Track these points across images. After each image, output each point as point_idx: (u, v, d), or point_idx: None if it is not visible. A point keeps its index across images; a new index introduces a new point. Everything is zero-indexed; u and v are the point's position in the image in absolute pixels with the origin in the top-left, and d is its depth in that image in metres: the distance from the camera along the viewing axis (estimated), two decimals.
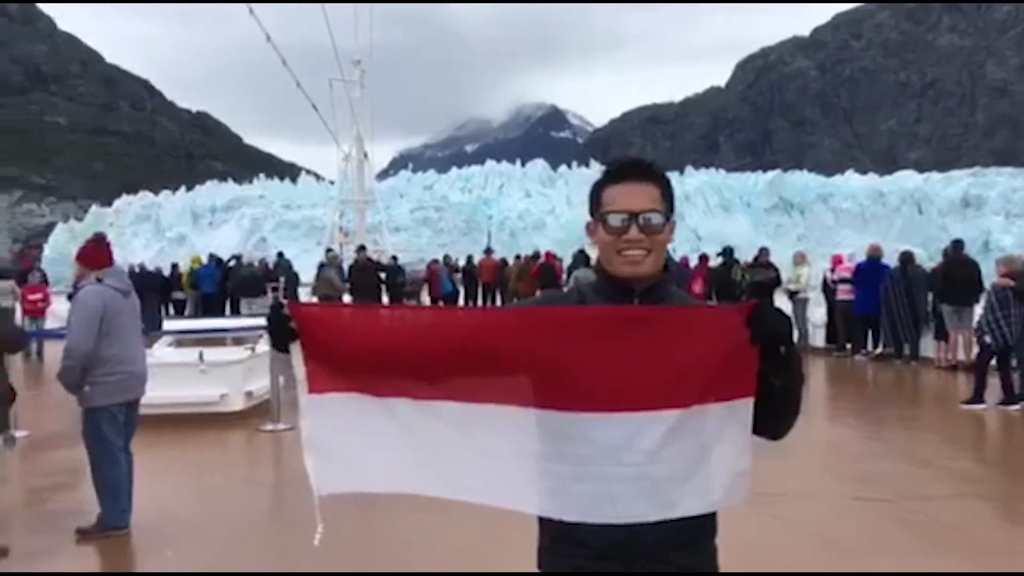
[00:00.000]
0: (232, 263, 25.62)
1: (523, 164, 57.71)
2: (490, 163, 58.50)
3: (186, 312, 24.95)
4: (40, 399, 11.15)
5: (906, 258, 15.13)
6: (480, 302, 25.24)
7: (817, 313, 17.37)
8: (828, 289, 16.85)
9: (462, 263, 27.75)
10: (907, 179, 52.83)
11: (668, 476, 1.93)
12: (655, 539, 1.97)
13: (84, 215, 57.55)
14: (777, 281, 16.91)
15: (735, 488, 2.00)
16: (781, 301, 15.71)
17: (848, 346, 16.00)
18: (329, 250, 23.66)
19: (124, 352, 5.93)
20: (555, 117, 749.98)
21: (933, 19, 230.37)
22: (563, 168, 57.24)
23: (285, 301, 2.09)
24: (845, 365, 15.23)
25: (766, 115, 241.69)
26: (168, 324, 16.26)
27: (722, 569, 2.14)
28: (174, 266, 27.30)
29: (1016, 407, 10.42)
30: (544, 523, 2.10)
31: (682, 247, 32.40)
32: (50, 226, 70.55)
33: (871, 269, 15.56)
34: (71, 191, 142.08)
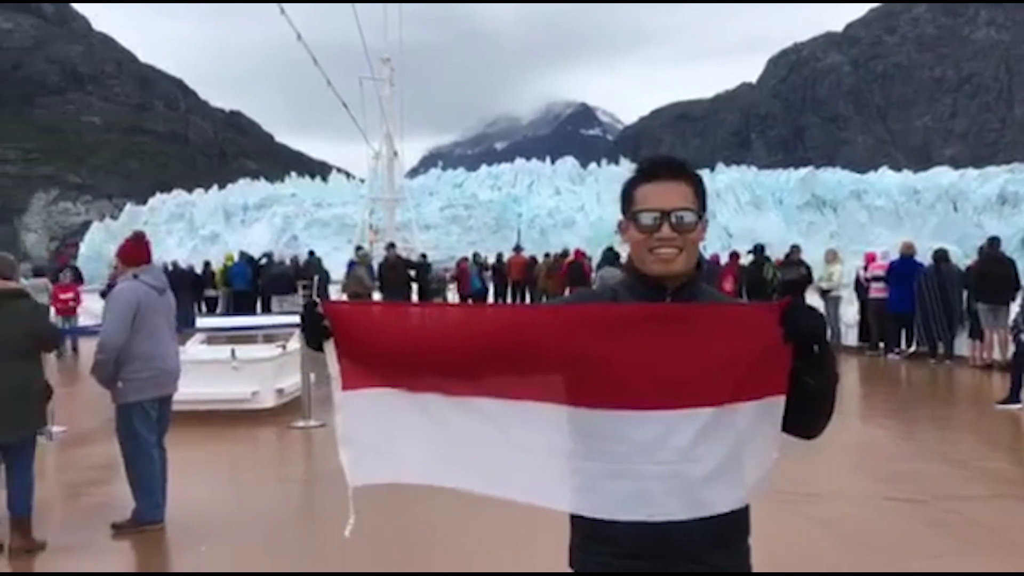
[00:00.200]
0: (263, 261, 25.85)
1: (553, 162, 57.70)
2: (520, 161, 58.57)
3: (218, 309, 25.22)
4: (75, 395, 11.32)
5: (940, 256, 14.92)
6: (509, 300, 25.26)
7: (850, 312, 17.19)
8: (861, 287, 16.66)
9: (491, 261, 27.78)
10: (942, 176, 52.16)
11: (701, 474, 1.93)
12: (688, 538, 1.96)
13: (119, 213, 58.33)
14: (808, 279, 16.76)
15: (762, 482, 2.02)
16: (813, 299, 15.55)
17: (881, 345, 15.81)
18: (359, 248, 23.77)
19: (157, 349, 6.01)
20: (585, 114, 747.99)
21: (970, 13, 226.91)
22: (593, 166, 57.14)
23: (319, 299, 2.11)
24: (878, 364, 15.06)
25: (798, 111, 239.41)
26: (201, 321, 16.43)
27: (755, 569, 2.13)
28: (206, 264, 27.61)
29: None
30: (575, 521, 2.10)
31: (713, 245, 32.20)
32: (86, 224, 71.67)
33: (905, 267, 15.36)
34: (106, 190, 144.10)
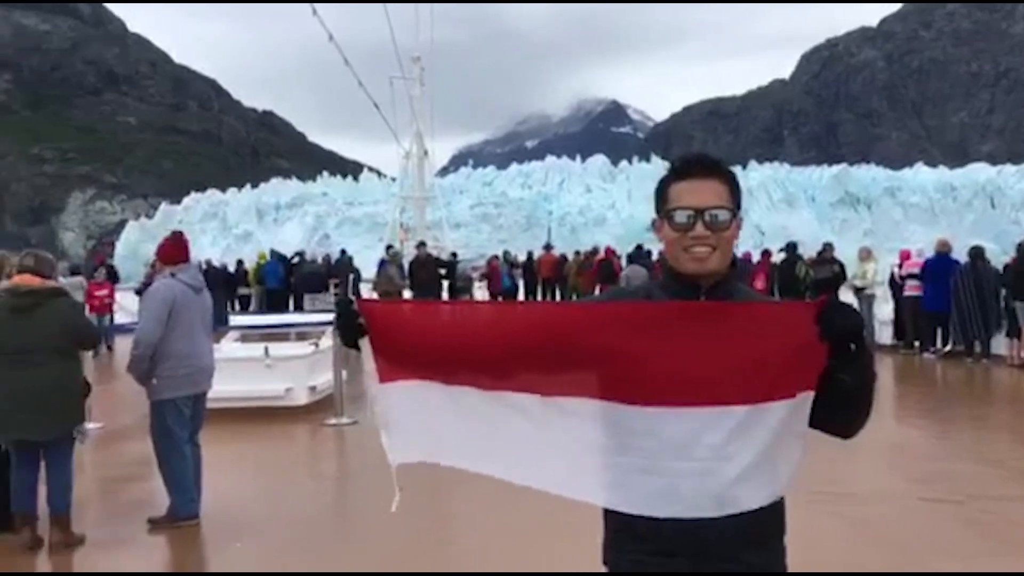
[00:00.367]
0: (296, 260, 26.07)
1: (583, 160, 57.56)
2: (550, 159, 58.48)
3: (251, 307, 25.46)
4: (111, 392, 11.49)
5: (976, 253, 14.70)
6: (539, 298, 25.27)
7: (884, 310, 17.00)
8: (895, 285, 16.48)
9: (522, 259, 27.80)
10: (979, 172, 51.30)
11: (733, 472, 1.93)
12: (721, 536, 1.96)
13: (154, 212, 59.04)
14: (841, 277, 16.59)
15: (792, 479, 2.03)
16: (847, 297, 15.39)
17: (916, 344, 15.62)
18: (390, 247, 23.89)
19: (191, 347, 6.09)
20: (615, 112, 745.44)
21: (1008, 7, 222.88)
22: (623, 163, 56.89)
23: (354, 298, 2.14)
24: (913, 363, 14.88)
25: (831, 108, 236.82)
26: (234, 319, 16.61)
27: (790, 569, 2.13)
28: (239, 262, 27.89)
29: None
30: (608, 517, 2.12)
31: (745, 242, 31.95)
32: (122, 223, 72.60)
33: (940, 265, 15.16)
34: (142, 189, 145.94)
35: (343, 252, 27.66)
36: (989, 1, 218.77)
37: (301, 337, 12.78)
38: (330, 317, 11.91)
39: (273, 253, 27.11)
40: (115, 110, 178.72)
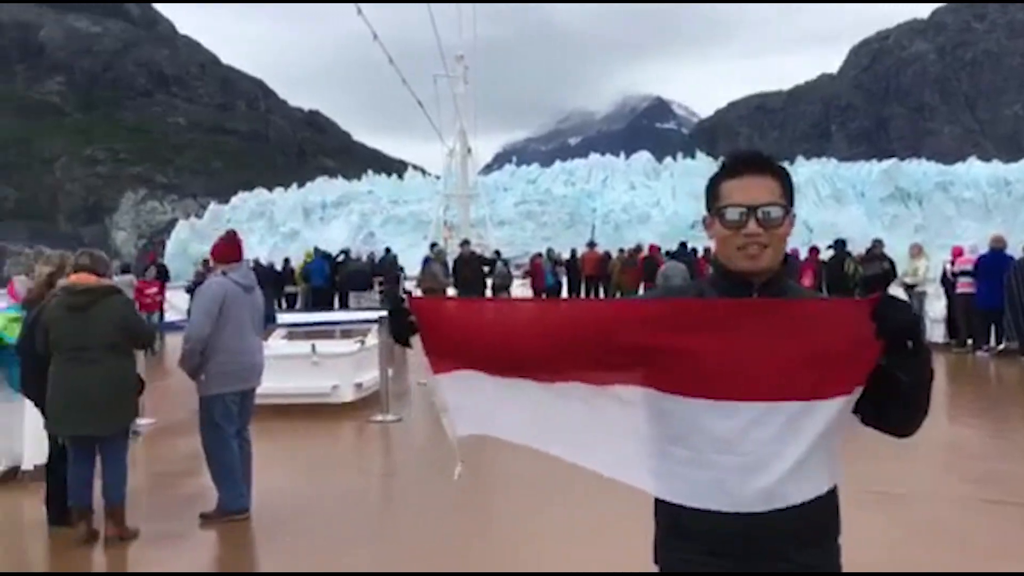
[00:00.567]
0: (341, 258, 26.32)
1: (627, 156, 57.30)
2: (594, 156, 58.34)
3: (297, 305, 25.77)
4: (163, 389, 11.69)
5: None
6: (583, 296, 25.21)
7: (936, 307, 16.68)
8: (948, 282, 16.16)
9: (565, 256, 27.76)
10: None
11: (782, 468, 1.92)
12: (774, 535, 1.95)
13: (203, 212, 60.01)
14: (891, 274, 16.32)
15: (837, 471, 2.02)
16: (897, 295, 15.13)
17: (969, 342, 15.30)
18: (434, 244, 24.01)
19: (240, 344, 6.18)
20: (660, 108, 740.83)
21: None
22: (668, 160, 56.57)
23: (406, 296, 2.16)
24: (966, 362, 14.58)
25: (881, 102, 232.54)
26: (281, 317, 16.82)
27: (845, 570, 2.10)
28: (286, 261, 28.24)
29: None
30: (659, 515, 2.12)
31: (792, 240, 31.03)
32: (172, 223, 73.97)
33: (994, 261, 14.83)
34: (191, 189, 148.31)
35: (387, 250, 27.86)
36: None
37: (346, 335, 12.90)
38: (375, 315, 12.02)
39: (317, 251, 27.40)
40: (165, 111, 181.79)
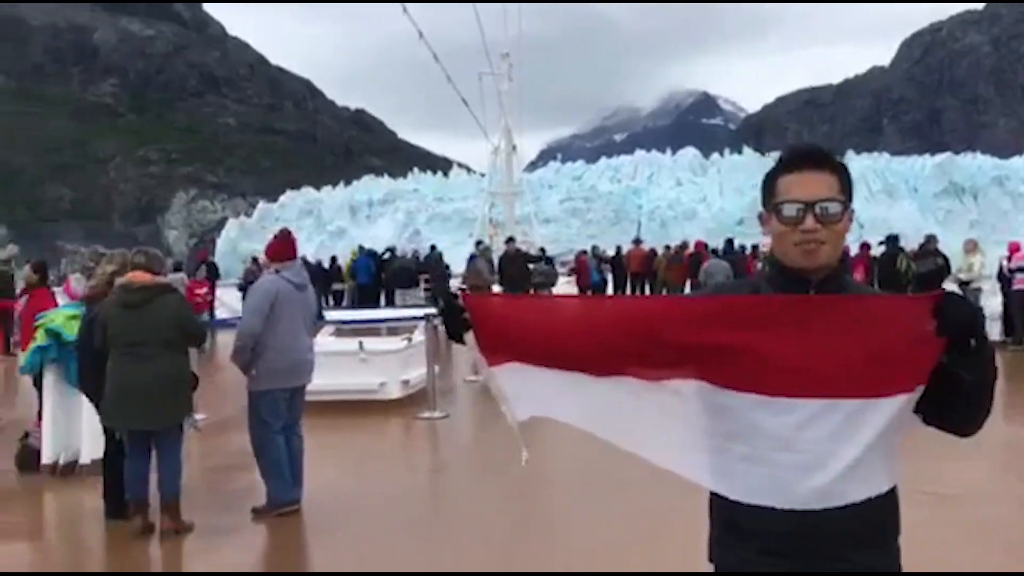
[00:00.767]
0: (386, 256, 26.52)
1: (673, 152, 56.83)
2: (639, 152, 57.98)
3: (344, 302, 26.04)
4: (215, 384, 11.89)
5: None
6: (629, 293, 25.08)
7: (992, 304, 16.30)
8: (1004, 278, 15.80)
9: (610, 253, 27.64)
10: None
11: (838, 466, 1.90)
12: (832, 535, 1.92)
13: (252, 211, 60.79)
14: (945, 271, 16.00)
15: (896, 471, 2.00)
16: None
17: None
18: (479, 242, 24.08)
19: (291, 341, 6.27)
20: (706, 103, 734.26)
21: None
22: (715, 156, 55.96)
23: (459, 292, 2.18)
24: (1022, 360, 14.25)
25: (934, 94, 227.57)
26: (329, 314, 17.00)
27: (904, 570, 2.07)
28: (333, 259, 28.55)
29: None
30: (713, 512, 2.10)
31: None
32: (222, 221, 75.03)
33: None
34: (240, 188, 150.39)
35: (433, 248, 28.01)
36: None
37: (392, 332, 13.00)
38: (421, 312, 12.11)
39: (361, 249, 27.63)
40: (215, 111, 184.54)
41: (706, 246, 24.55)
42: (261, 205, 58.90)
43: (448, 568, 5.16)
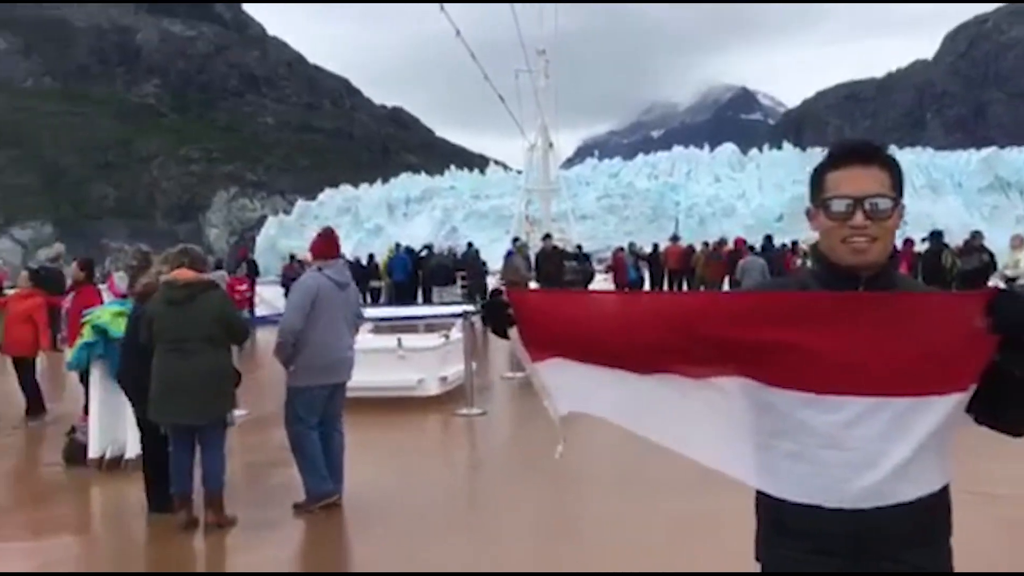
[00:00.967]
0: (423, 253, 26.64)
1: (712, 148, 56.42)
2: (677, 148, 57.67)
3: (381, 300, 26.19)
4: (256, 381, 12.01)
5: None
6: (666, 290, 24.93)
7: None
8: None
9: (647, 250, 27.51)
10: None
11: (890, 465, 1.87)
12: (882, 534, 1.90)
13: (291, 209, 61.39)
14: (991, 267, 15.70)
15: (947, 470, 1.97)
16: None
17: None
18: (516, 239, 24.11)
19: (331, 338, 6.31)
20: (745, 99, 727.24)
21: None
22: (753, 151, 55.47)
23: (503, 288, 2.18)
24: None
25: (979, 88, 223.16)
26: (367, 312, 17.09)
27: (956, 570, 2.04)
28: (371, 256, 28.74)
29: None
30: (760, 511, 2.08)
31: None
32: (261, 219, 75.90)
33: None
34: (279, 186, 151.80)
35: (469, 245, 28.08)
36: None
37: (430, 329, 13.06)
38: (459, 309, 12.15)
39: (398, 246, 27.78)
40: (255, 111, 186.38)
41: (745, 243, 24.34)
42: (300, 203, 59.48)
43: (486, 566, 5.17)
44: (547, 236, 22.86)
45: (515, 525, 6.11)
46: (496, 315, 2.13)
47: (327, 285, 6.34)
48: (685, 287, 24.85)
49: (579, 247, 26.25)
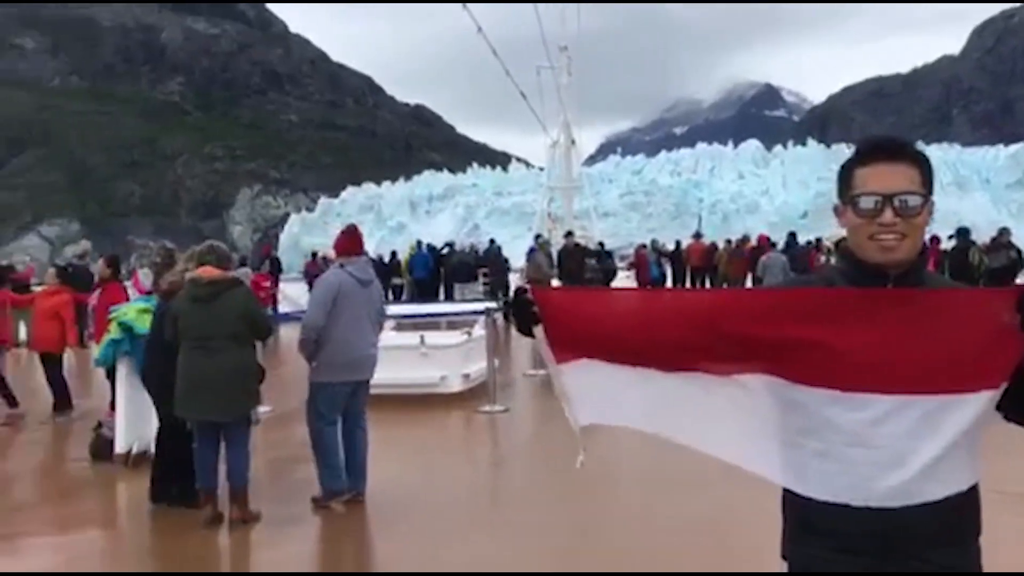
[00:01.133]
0: (445, 250, 26.70)
1: (735, 145, 56.11)
2: (701, 145, 57.38)
3: (403, 297, 26.28)
4: (279, 377, 12.08)
5: None
6: (688, 287, 24.82)
7: None
8: None
9: (670, 248, 27.42)
10: None
11: (918, 463, 1.85)
12: (910, 533, 1.88)
13: (314, 206, 61.68)
14: (1019, 264, 15.52)
15: (976, 468, 1.94)
16: None
17: None
18: (538, 236, 24.12)
19: (352, 336, 6.32)
20: (769, 95, 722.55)
21: None
22: (778, 148, 55.11)
23: (528, 286, 2.18)
24: None
25: (1007, 83, 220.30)
26: (390, 309, 17.15)
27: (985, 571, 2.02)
28: (393, 253, 28.84)
29: None
30: (786, 508, 2.07)
31: None
32: (285, 217, 76.34)
33: None
34: (302, 184, 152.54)
35: (492, 242, 28.10)
36: None
37: (451, 326, 13.08)
38: (482, 306, 12.18)
39: (419, 243, 27.86)
40: (278, 108, 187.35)
41: (769, 240, 24.19)
42: (322, 200, 59.76)
43: (508, 563, 5.17)
44: (569, 233, 22.81)
45: (537, 522, 6.11)
46: (522, 313, 2.13)
47: (349, 282, 6.36)
48: (707, 284, 24.77)
49: (601, 244, 26.20)
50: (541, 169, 49.65)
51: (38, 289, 12.74)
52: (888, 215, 1.91)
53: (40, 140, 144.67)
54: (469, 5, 28.82)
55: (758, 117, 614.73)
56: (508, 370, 12.57)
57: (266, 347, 15.59)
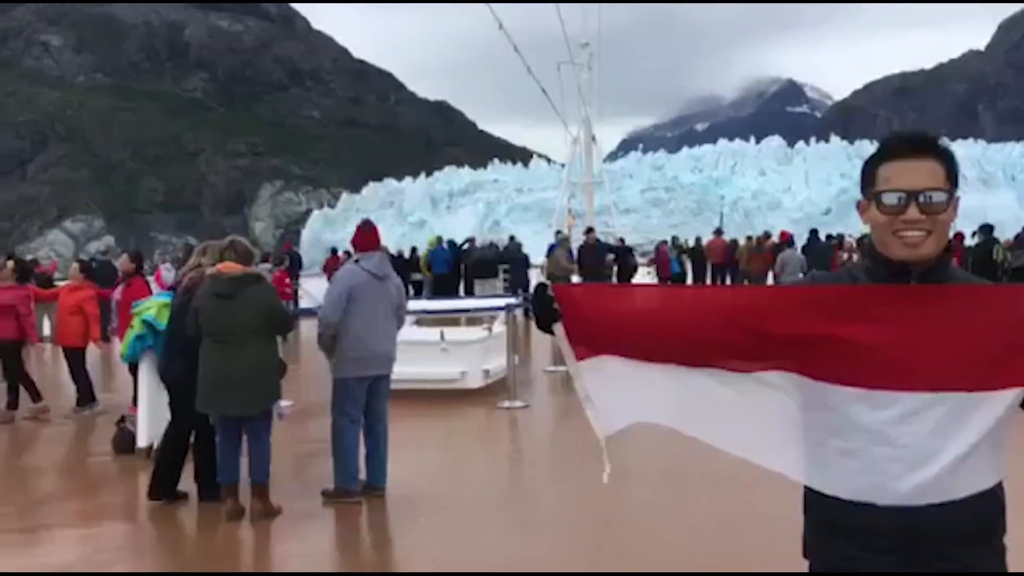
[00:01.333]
0: (465, 246, 26.71)
1: (757, 141, 55.81)
2: (722, 142, 57.15)
3: (423, 293, 26.32)
4: (298, 373, 12.14)
5: None
6: (708, 284, 24.73)
7: None
8: None
9: (691, 244, 27.32)
10: None
11: (944, 461, 1.83)
12: (935, 532, 1.86)
13: (336, 202, 61.90)
14: None
15: (1000, 465, 1.92)
16: None
17: None
18: (559, 232, 24.05)
19: (368, 331, 6.32)
20: (791, 91, 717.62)
21: None
22: (800, 144, 54.79)
23: (549, 283, 2.18)
24: None
25: None
26: (410, 304, 17.15)
27: (1011, 570, 1.99)
28: (413, 249, 28.88)
29: None
30: (809, 507, 2.05)
31: None
32: (307, 213, 76.64)
33: None
34: (324, 180, 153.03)
35: (512, 238, 28.07)
36: None
37: (471, 322, 13.07)
38: (502, 302, 12.15)
39: (439, 239, 27.88)
40: (301, 105, 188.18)
41: (792, 237, 24.04)
42: (344, 196, 59.98)
43: (528, 559, 5.17)
44: (590, 230, 22.76)
45: (558, 518, 6.11)
46: (542, 310, 2.12)
47: (364, 277, 6.36)
48: (728, 281, 24.66)
49: (621, 240, 26.13)
50: (562, 165, 49.55)
51: (62, 284, 12.87)
52: (912, 212, 1.88)
53: (65, 136, 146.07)
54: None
55: (780, 113, 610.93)
56: (528, 366, 12.57)
57: (286, 342, 15.69)
